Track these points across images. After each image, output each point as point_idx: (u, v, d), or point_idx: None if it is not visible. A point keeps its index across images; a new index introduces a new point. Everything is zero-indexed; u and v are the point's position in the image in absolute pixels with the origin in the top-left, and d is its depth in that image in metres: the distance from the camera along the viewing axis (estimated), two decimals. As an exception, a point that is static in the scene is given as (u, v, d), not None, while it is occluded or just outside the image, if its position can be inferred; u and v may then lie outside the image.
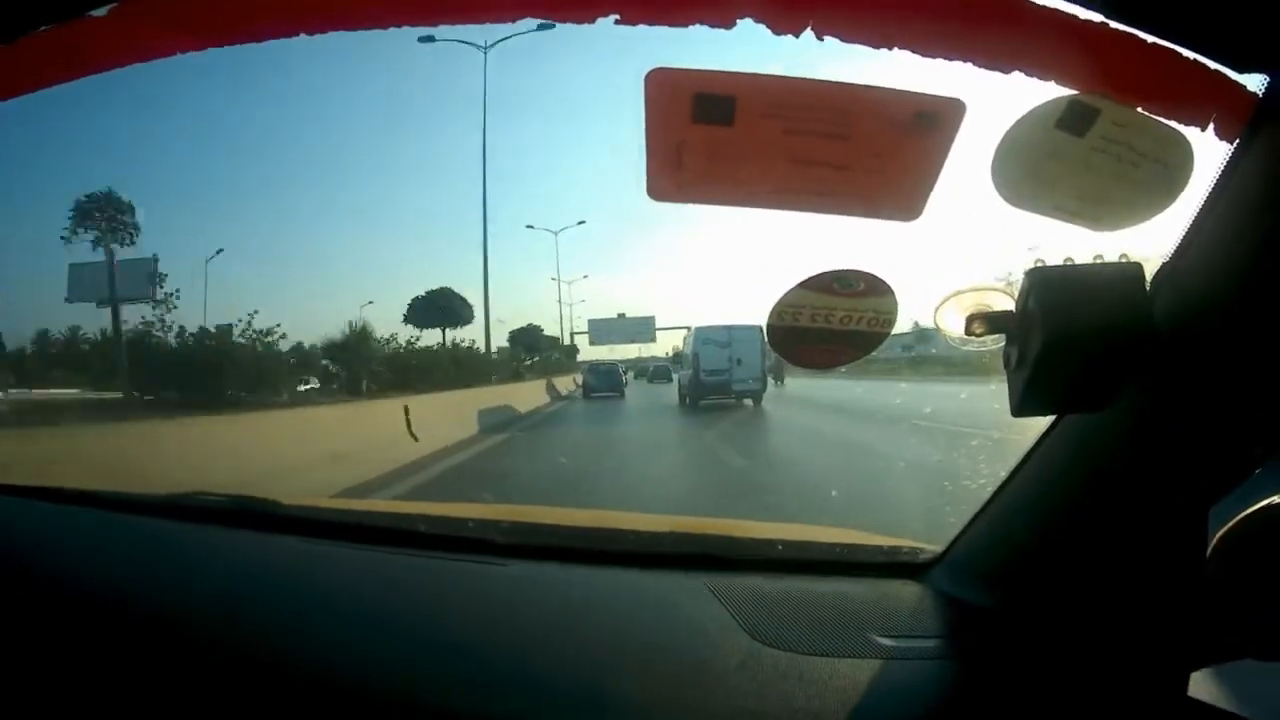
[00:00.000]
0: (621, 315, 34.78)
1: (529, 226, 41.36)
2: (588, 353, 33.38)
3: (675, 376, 19.48)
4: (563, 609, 0.98)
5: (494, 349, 28.69)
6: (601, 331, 34.08)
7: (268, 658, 0.82)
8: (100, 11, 0.64)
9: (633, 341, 34.95)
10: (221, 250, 22.75)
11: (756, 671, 0.79)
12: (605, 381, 21.68)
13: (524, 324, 34.94)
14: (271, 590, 1.01)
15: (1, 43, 0.66)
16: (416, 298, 27.72)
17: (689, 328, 17.28)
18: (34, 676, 0.79)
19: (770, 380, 15.99)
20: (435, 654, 0.85)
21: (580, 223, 42.78)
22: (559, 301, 39.14)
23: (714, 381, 14.90)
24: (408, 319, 26.65)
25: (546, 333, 35.59)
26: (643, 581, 1.04)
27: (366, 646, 0.85)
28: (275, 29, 0.63)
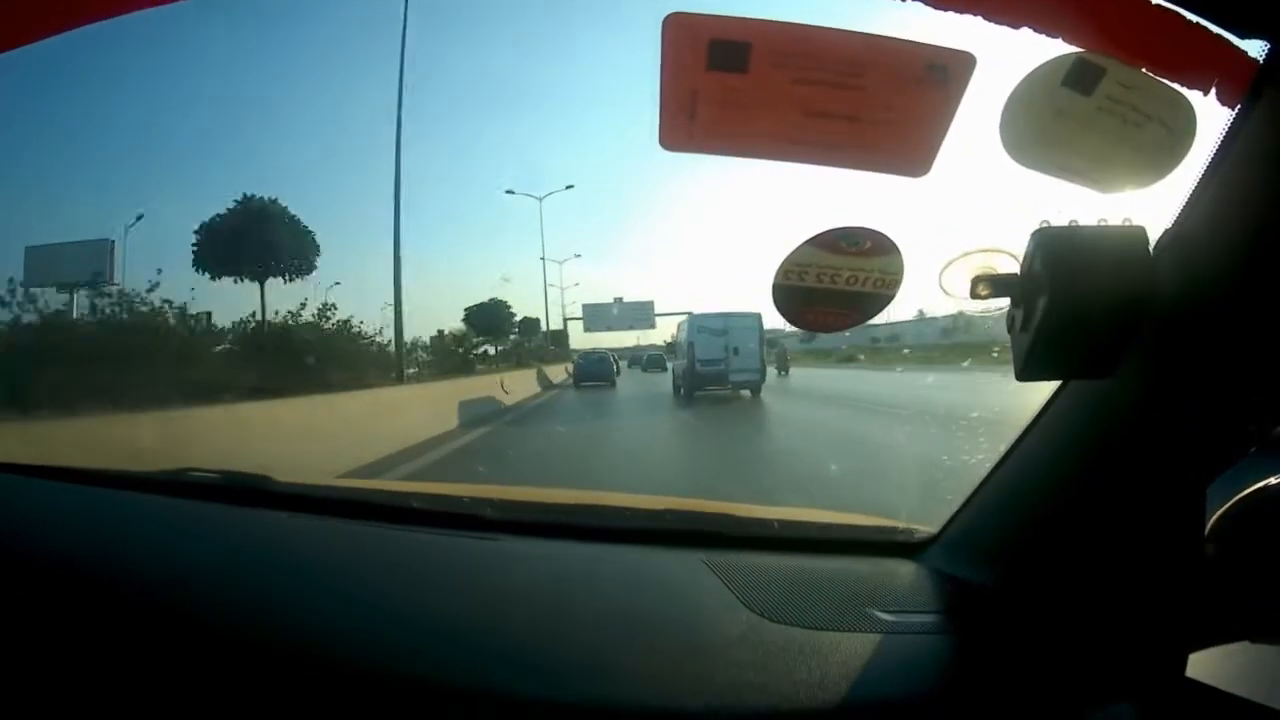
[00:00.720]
0: (618, 300, 33.50)
1: (508, 191, 37.85)
2: (582, 340, 32.26)
3: (670, 365, 19.25)
4: (557, 584, 0.97)
5: (452, 333, 22.49)
6: (597, 317, 32.63)
7: (259, 632, 0.81)
8: None
9: (631, 328, 33.66)
10: (142, 216, 17.66)
11: (758, 645, 0.79)
12: (596, 370, 21.44)
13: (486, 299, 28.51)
14: (263, 565, 1.00)
15: None
16: (204, 223, 16.72)
17: (688, 314, 16.93)
18: (24, 652, 0.78)
19: (774, 371, 15.55)
20: (428, 628, 0.84)
21: (568, 187, 39.97)
22: (544, 281, 36.87)
23: (710, 372, 14.34)
24: (198, 262, 16.46)
25: (529, 316, 30.95)
26: (638, 558, 1.04)
27: (357, 620, 0.84)
28: None
